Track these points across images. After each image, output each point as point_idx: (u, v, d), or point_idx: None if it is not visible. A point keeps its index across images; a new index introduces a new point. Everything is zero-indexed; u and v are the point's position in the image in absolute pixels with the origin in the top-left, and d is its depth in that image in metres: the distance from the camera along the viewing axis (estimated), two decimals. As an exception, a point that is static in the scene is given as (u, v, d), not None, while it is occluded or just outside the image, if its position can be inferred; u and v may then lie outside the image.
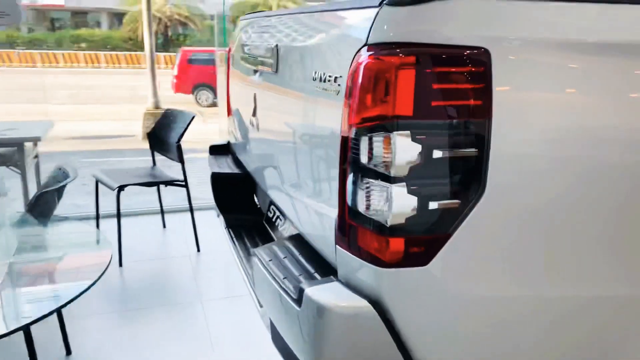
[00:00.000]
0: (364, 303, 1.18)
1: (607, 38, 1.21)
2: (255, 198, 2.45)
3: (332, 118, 1.31)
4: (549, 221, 1.20)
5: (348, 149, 1.22)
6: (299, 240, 1.64)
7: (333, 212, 1.33)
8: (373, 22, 1.16)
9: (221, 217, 2.52)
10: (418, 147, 1.11)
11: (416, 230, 1.15)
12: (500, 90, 1.13)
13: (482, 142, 1.13)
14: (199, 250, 3.81)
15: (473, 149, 1.13)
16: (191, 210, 3.76)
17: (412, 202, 1.14)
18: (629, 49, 1.22)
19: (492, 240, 1.19)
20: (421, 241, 1.16)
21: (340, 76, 1.26)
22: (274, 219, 2.21)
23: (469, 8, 1.14)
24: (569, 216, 1.21)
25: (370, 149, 1.16)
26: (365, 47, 1.17)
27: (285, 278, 1.40)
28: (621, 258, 1.27)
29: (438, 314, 1.21)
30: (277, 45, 1.68)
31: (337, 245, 1.30)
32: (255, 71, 2.00)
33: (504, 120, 1.14)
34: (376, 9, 1.17)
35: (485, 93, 1.12)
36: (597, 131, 1.20)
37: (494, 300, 1.22)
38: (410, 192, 1.13)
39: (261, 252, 1.57)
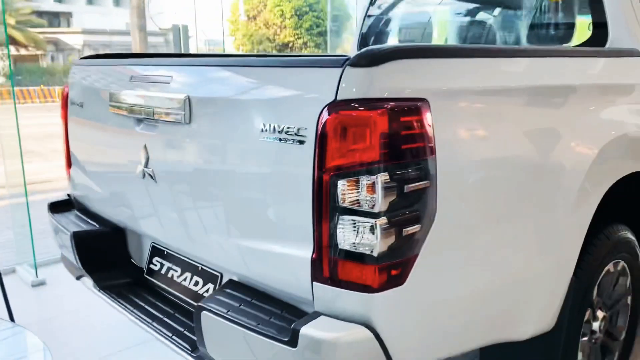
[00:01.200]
0: (363, 329, 1.32)
1: (510, 84, 1.60)
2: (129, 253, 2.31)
3: (293, 165, 1.42)
4: (482, 230, 1.52)
5: (325, 193, 1.35)
6: (237, 285, 1.67)
7: (302, 252, 1.43)
8: (340, 81, 1.32)
9: (85, 279, 2.31)
10: (394, 185, 1.31)
11: (395, 255, 1.34)
12: (438, 131, 1.40)
13: (433, 175, 1.38)
14: (13, 321, 3.28)
15: (427, 181, 1.37)
16: (-1, 277, 3.23)
17: (392, 232, 1.33)
18: (535, 92, 1.62)
19: (445, 253, 1.45)
20: (399, 264, 1.36)
21: (305, 128, 1.37)
22: (162, 271, 2.14)
23: (411, 66, 1.39)
24: (494, 225, 1.55)
25: (355, 191, 1.31)
26: (336, 103, 1.32)
27: (258, 324, 1.44)
28: (524, 250, 1.67)
29: (412, 320, 1.42)
30: (188, 97, 1.68)
31: (314, 282, 1.41)
32: (140, 120, 1.93)
33: (443, 155, 1.40)
34: (339, 69, 1.33)
35: (429, 135, 1.37)
36: (510, 156, 1.57)
37: (451, 296, 1.49)
38: (389, 224, 1.32)
39: (212, 305, 1.56)
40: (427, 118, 1.36)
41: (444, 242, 1.44)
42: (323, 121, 1.33)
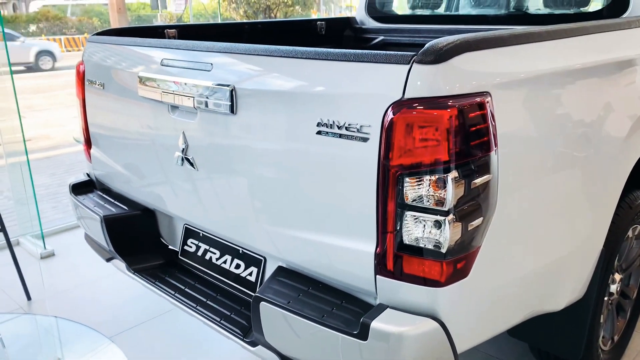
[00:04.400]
0: (431, 322, 1.37)
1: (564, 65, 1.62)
2: (161, 235, 2.31)
3: (355, 162, 1.42)
4: (535, 214, 1.57)
5: (391, 190, 1.36)
6: (290, 273, 1.70)
7: (364, 246, 1.45)
8: (407, 79, 1.31)
9: (117, 261, 2.31)
10: (462, 182, 1.33)
11: (461, 250, 1.38)
12: (498, 123, 1.40)
13: (495, 168, 1.40)
14: (29, 299, 3.27)
15: (489, 175, 1.39)
16: (11, 249, 3.18)
17: (459, 227, 1.35)
18: (588, 70, 1.67)
19: (502, 240, 1.49)
20: (464, 258, 1.39)
21: (369, 125, 1.37)
22: (198, 253, 2.15)
23: (474, 59, 1.38)
24: (547, 207, 1.61)
25: (422, 188, 1.32)
26: (404, 102, 1.31)
27: (324, 316, 1.47)
28: (569, 228, 1.73)
29: (473, 308, 1.47)
30: (234, 87, 1.65)
31: (377, 275, 1.44)
32: (175, 107, 1.89)
33: (502, 146, 1.42)
34: (406, 66, 1.31)
35: (493, 129, 1.38)
36: (561, 138, 1.60)
37: (506, 280, 1.56)
38: (457, 220, 1.34)
39: (270, 296, 1.58)
40: (491, 112, 1.37)
41: (502, 230, 1.48)
42: (389, 119, 1.33)
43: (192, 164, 1.89)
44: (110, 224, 2.21)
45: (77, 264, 3.67)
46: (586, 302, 2.00)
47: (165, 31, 2.63)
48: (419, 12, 3.48)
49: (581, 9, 2.82)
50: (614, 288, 2.29)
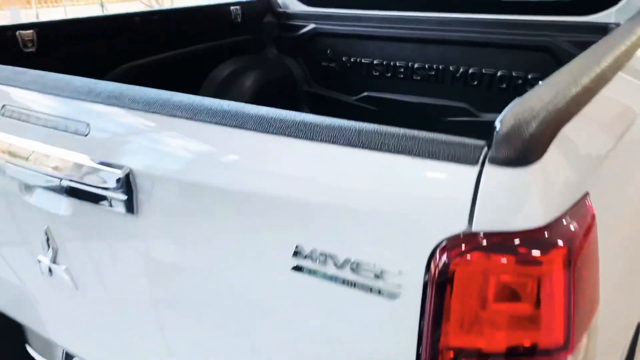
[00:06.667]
0: None
1: None
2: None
3: (365, 326, 0.79)
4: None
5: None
6: None
7: None
8: (476, 193, 0.69)
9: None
10: (571, 367, 0.75)
11: None
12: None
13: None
14: None
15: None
16: None
17: None
18: None
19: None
20: None
21: (399, 272, 0.74)
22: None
23: (569, 142, 0.79)
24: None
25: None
26: (470, 237, 0.69)
27: None
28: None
29: None
30: (131, 171, 0.94)
31: None
32: (30, 187, 1.14)
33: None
34: (474, 169, 0.69)
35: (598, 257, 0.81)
36: None
37: None
38: None
39: None
40: (595, 230, 0.79)
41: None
42: (443, 266, 0.71)
43: (69, 275, 1.16)
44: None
45: None
46: None
47: (18, 33, 1.79)
48: (355, -7, 2.84)
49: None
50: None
